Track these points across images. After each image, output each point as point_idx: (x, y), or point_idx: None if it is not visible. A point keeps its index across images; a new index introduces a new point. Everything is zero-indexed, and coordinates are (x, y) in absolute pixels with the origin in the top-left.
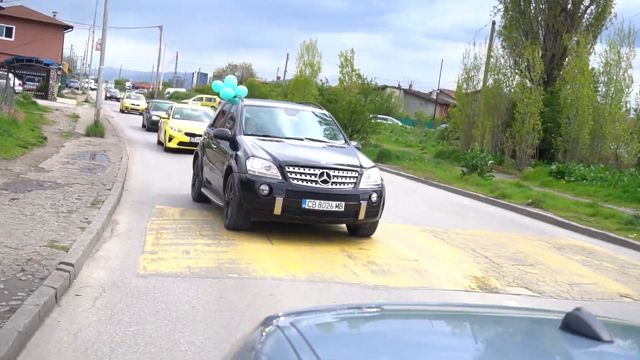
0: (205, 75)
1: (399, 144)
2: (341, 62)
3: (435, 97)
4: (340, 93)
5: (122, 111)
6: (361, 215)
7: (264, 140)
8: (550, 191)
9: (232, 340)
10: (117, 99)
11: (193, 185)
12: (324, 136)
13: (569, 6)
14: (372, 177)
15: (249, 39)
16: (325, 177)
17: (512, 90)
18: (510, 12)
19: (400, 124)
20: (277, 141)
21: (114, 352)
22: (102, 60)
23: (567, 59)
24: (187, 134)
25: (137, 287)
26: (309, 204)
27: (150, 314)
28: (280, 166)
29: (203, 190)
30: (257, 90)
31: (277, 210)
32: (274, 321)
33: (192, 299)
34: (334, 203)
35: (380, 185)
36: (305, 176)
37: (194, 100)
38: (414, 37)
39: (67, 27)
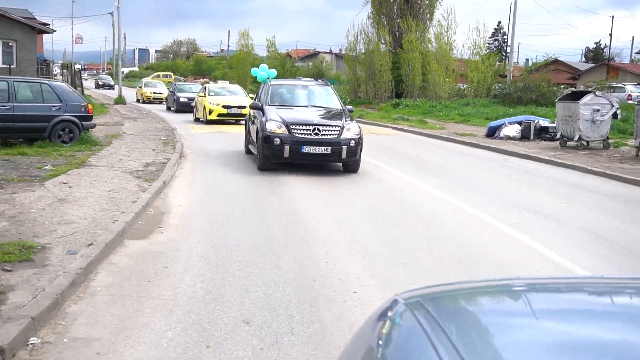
0: (145, 50)
1: None
2: (267, 44)
3: None
4: (270, 65)
5: (140, 101)
6: (343, 155)
7: (280, 108)
8: (382, 113)
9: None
10: (110, 87)
11: (245, 142)
12: (325, 103)
13: None
14: (351, 129)
15: (187, 11)
16: (316, 130)
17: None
18: (375, 2)
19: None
20: (289, 108)
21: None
22: (117, 54)
23: (404, 34)
24: (224, 106)
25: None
26: (306, 149)
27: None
28: (287, 125)
29: (249, 146)
30: (204, 64)
31: (286, 153)
32: (401, 300)
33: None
34: (323, 147)
35: (359, 135)
36: (304, 131)
37: (152, 77)
38: None
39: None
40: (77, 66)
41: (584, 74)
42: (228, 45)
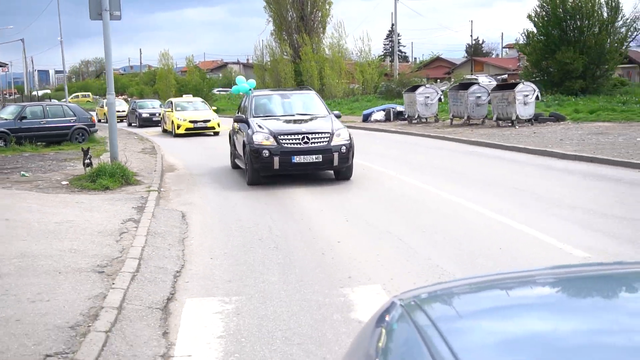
0: (46, 72)
1: (233, 106)
2: (187, 61)
3: None
4: (187, 80)
5: (101, 120)
6: (335, 163)
7: (265, 119)
8: None
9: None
10: None
11: (230, 156)
12: (310, 110)
13: (305, 13)
14: (341, 135)
15: (85, 29)
16: (305, 139)
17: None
18: (276, 20)
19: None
20: (275, 119)
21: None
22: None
23: (301, 47)
24: (190, 121)
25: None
26: (297, 158)
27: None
28: (275, 136)
29: (236, 160)
30: (118, 82)
31: (276, 165)
32: (398, 302)
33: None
34: (313, 156)
35: (349, 141)
36: (292, 140)
37: (72, 98)
38: (248, 4)
39: None
40: None
41: (457, 68)
42: (140, 62)
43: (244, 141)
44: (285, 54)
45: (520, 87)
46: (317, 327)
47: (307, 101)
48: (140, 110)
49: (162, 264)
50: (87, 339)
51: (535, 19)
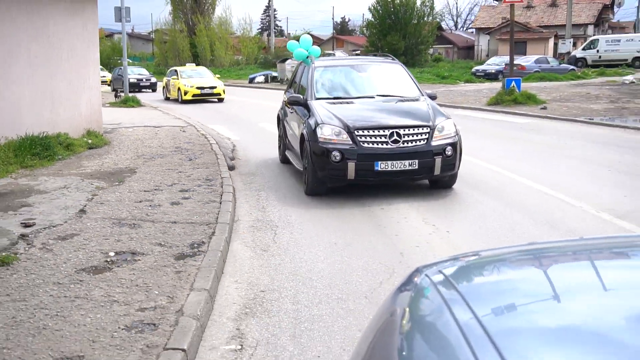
0: None
1: None
2: None
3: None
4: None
5: None
6: (437, 171)
7: (334, 103)
8: None
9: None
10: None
11: (279, 147)
12: (396, 90)
13: None
14: (445, 130)
15: None
16: (395, 136)
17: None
18: (174, 1)
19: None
20: (348, 103)
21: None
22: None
23: (196, 25)
24: (197, 87)
25: None
26: (381, 165)
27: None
28: (350, 131)
29: (287, 153)
30: None
31: (351, 175)
32: (425, 272)
33: None
34: (406, 162)
35: (455, 138)
36: (376, 138)
37: None
38: None
39: None
40: None
41: (323, 44)
42: None
43: (302, 134)
44: (181, 30)
45: None
46: None
47: (391, 76)
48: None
49: None
50: None
51: (373, 11)
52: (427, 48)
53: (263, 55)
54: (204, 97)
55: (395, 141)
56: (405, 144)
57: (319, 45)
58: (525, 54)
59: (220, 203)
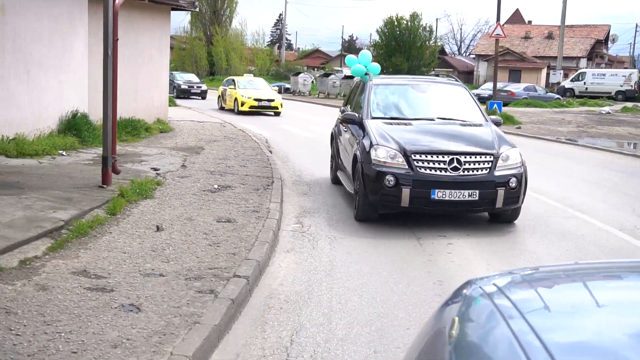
0: None
1: None
2: None
3: None
4: None
5: None
6: (499, 204)
7: (391, 124)
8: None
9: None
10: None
11: (331, 167)
12: (458, 114)
13: (217, 8)
14: (510, 159)
15: None
16: (455, 163)
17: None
18: (193, 12)
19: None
20: (405, 124)
21: None
22: None
23: (213, 36)
24: (255, 99)
25: None
26: (439, 194)
27: None
28: (406, 154)
29: (338, 173)
30: None
31: (405, 201)
32: (477, 283)
33: None
34: (466, 192)
35: (521, 169)
36: (434, 164)
37: None
38: None
39: None
40: None
41: (332, 60)
42: None
43: (355, 154)
44: (200, 40)
45: None
46: None
47: (453, 99)
48: (177, 82)
49: None
50: None
51: (380, 33)
52: (429, 70)
53: (275, 68)
54: (260, 109)
55: (455, 168)
56: (466, 172)
57: (327, 62)
58: (519, 82)
59: (271, 168)
